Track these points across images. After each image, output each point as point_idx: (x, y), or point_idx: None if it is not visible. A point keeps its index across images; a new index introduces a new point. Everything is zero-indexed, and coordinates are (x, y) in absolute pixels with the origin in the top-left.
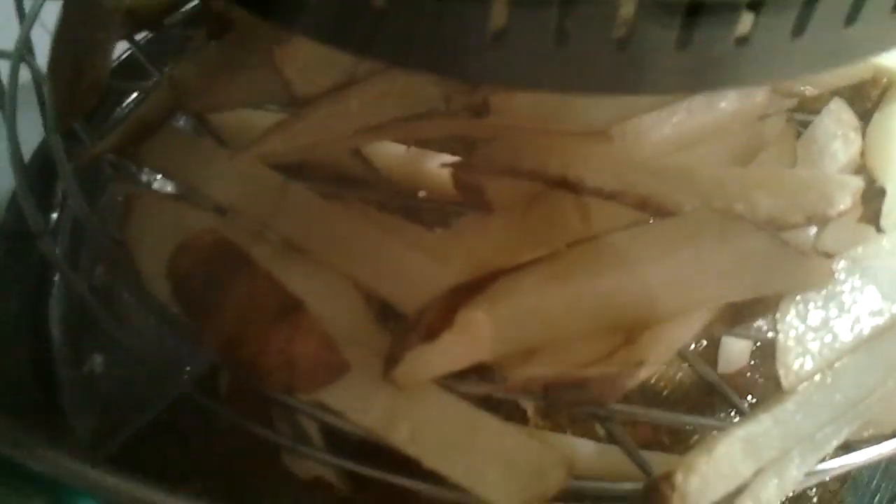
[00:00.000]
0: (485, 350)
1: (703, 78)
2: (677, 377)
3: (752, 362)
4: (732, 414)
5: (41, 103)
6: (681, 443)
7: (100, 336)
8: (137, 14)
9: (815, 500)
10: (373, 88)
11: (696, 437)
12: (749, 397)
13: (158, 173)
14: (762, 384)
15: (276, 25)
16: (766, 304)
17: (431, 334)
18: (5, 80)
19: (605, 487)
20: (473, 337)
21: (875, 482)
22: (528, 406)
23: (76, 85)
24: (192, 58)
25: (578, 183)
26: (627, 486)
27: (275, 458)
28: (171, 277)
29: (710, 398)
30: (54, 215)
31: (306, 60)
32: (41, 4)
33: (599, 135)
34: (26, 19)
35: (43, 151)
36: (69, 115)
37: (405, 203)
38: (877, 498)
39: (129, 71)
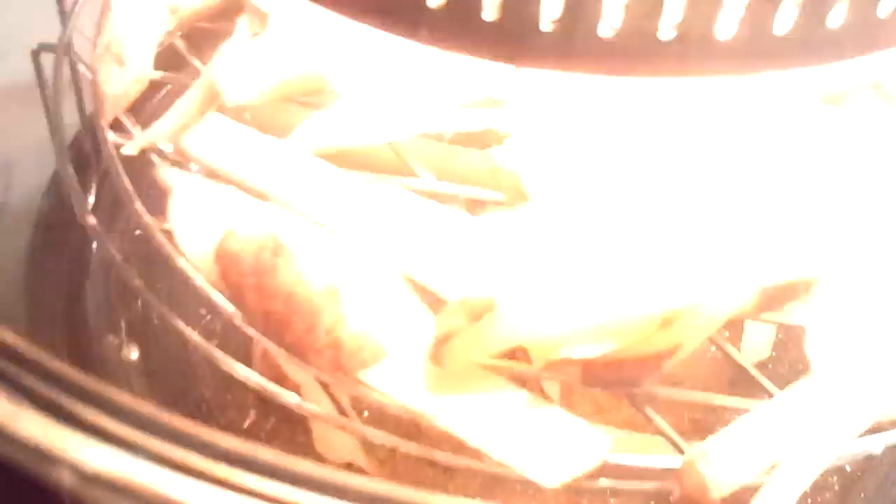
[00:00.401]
0: (527, 332)
1: None
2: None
3: (774, 354)
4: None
5: (78, 96)
6: (700, 432)
7: (135, 325)
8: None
9: (836, 487)
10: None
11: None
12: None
13: (198, 161)
14: (784, 375)
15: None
16: (796, 290)
17: (475, 315)
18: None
19: (640, 465)
20: (516, 320)
21: None
22: (554, 394)
23: (122, 76)
24: (231, 51)
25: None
26: (662, 459)
27: (308, 442)
28: (218, 259)
29: (732, 388)
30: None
31: (353, 60)
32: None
33: None
34: (69, 18)
35: (76, 144)
36: (115, 106)
37: (443, 192)
38: None
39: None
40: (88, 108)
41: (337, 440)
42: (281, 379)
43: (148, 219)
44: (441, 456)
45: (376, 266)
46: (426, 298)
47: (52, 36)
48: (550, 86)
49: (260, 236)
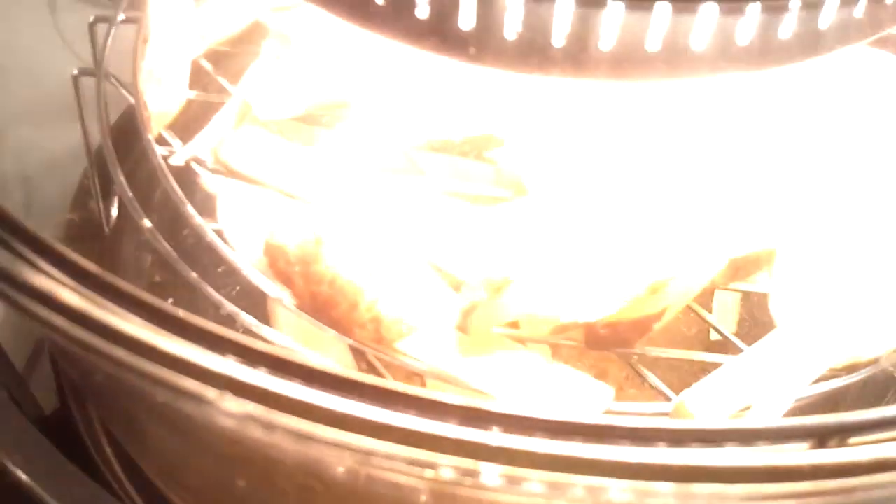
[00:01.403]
0: (537, 303)
1: None
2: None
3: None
4: None
5: (103, 115)
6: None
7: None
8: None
9: None
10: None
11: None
12: None
13: (237, 172)
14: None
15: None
16: (759, 262)
17: (497, 289)
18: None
19: (635, 411)
20: (528, 293)
21: None
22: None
23: (164, 96)
24: (261, 71)
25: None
26: (655, 406)
27: None
28: (267, 252)
29: (706, 348)
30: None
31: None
32: (112, 33)
33: None
34: (105, 42)
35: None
36: (160, 123)
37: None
38: None
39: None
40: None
41: None
42: None
43: (199, 220)
44: None
45: (404, 253)
46: (447, 280)
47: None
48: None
49: (302, 230)
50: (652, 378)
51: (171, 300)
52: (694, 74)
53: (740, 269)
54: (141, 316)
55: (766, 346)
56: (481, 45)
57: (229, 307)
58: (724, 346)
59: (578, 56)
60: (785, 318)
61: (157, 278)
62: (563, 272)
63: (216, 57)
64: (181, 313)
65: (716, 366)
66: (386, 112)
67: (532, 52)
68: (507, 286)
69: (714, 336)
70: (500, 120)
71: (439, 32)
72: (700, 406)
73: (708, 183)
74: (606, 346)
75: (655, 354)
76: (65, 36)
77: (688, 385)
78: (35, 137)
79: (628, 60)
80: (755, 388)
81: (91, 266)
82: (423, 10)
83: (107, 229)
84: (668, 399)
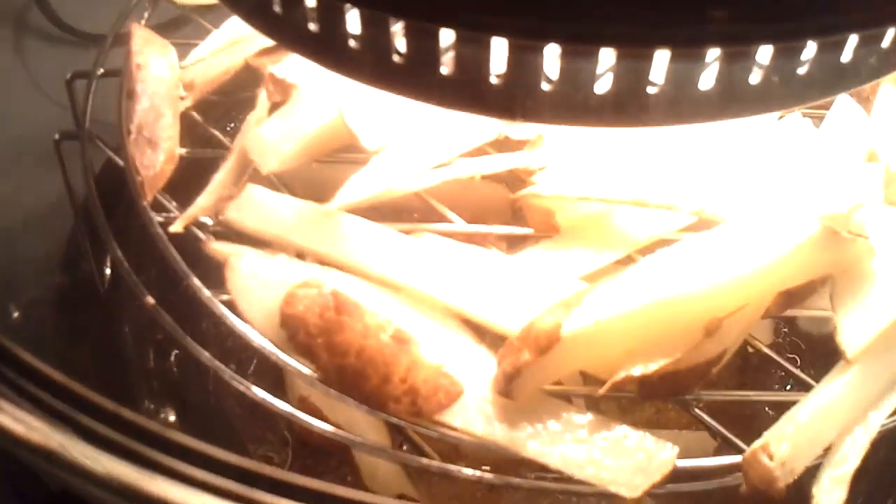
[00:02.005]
0: (588, 357)
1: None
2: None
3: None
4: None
5: (88, 177)
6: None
7: (173, 389)
8: (197, 86)
9: None
10: (429, 132)
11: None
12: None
13: (242, 228)
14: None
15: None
16: (812, 287)
17: (542, 349)
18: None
19: (701, 465)
20: (579, 346)
21: None
22: (579, 402)
23: (155, 157)
24: (257, 122)
25: (640, 201)
26: (721, 460)
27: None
28: (284, 324)
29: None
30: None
31: (374, 116)
32: (93, 89)
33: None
34: (86, 101)
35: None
36: (153, 186)
37: (475, 234)
38: None
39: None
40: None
41: (384, 474)
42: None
43: (207, 293)
44: (538, 484)
45: (432, 310)
46: (476, 331)
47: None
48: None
49: (320, 296)
50: (712, 423)
51: (175, 355)
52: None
53: (793, 295)
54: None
55: (843, 377)
56: (514, 99)
57: (245, 386)
58: (763, 379)
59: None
60: (856, 346)
61: (160, 336)
62: (616, 320)
63: (205, 107)
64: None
65: (779, 403)
66: (397, 153)
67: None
68: (557, 341)
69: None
70: (521, 155)
71: (467, 89)
72: (777, 454)
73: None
74: (663, 395)
75: (714, 398)
76: (40, 86)
77: (736, 429)
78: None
79: (682, 102)
80: (836, 426)
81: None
82: (447, 67)
83: (101, 290)
84: (737, 447)
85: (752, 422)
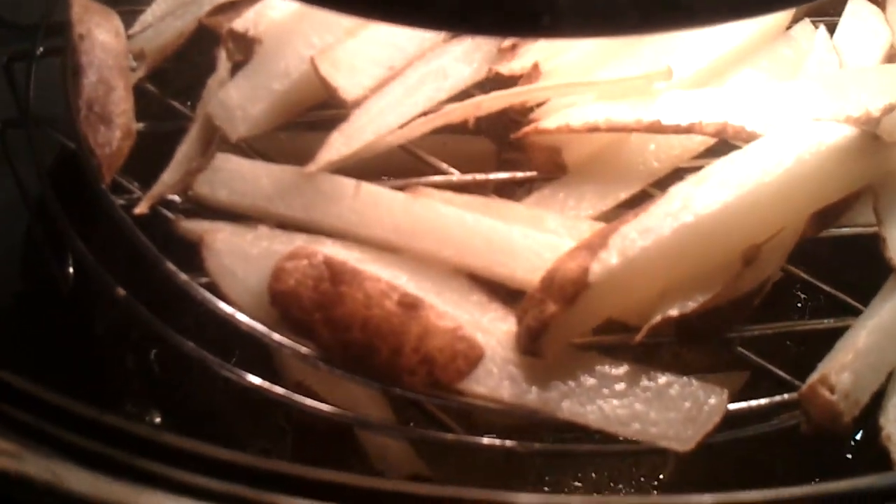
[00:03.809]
0: (619, 302)
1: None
2: None
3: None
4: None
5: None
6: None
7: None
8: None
9: None
10: (412, 75)
11: None
12: None
13: (216, 202)
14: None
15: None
16: (848, 203)
17: (569, 299)
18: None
19: (753, 406)
20: (609, 291)
21: None
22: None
23: (111, 135)
24: (219, 86)
25: (655, 124)
26: (775, 399)
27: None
28: (275, 302)
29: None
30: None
31: (349, 65)
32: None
33: (661, 73)
34: (27, 84)
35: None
36: (111, 167)
37: (471, 182)
38: None
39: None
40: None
41: (395, 455)
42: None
43: (184, 276)
44: (576, 447)
45: (438, 270)
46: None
47: None
48: None
49: (312, 267)
50: (760, 361)
51: (154, 352)
52: None
53: (829, 214)
54: None
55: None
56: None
57: (236, 374)
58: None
59: None
60: None
61: (137, 332)
62: (645, 256)
63: (160, 77)
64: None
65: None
66: (384, 96)
67: None
68: (586, 288)
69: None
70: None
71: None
72: (838, 386)
73: None
74: (703, 336)
75: (756, 332)
76: None
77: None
78: None
79: None
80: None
81: None
82: None
83: (65, 290)
84: (791, 384)
85: (790, 357)
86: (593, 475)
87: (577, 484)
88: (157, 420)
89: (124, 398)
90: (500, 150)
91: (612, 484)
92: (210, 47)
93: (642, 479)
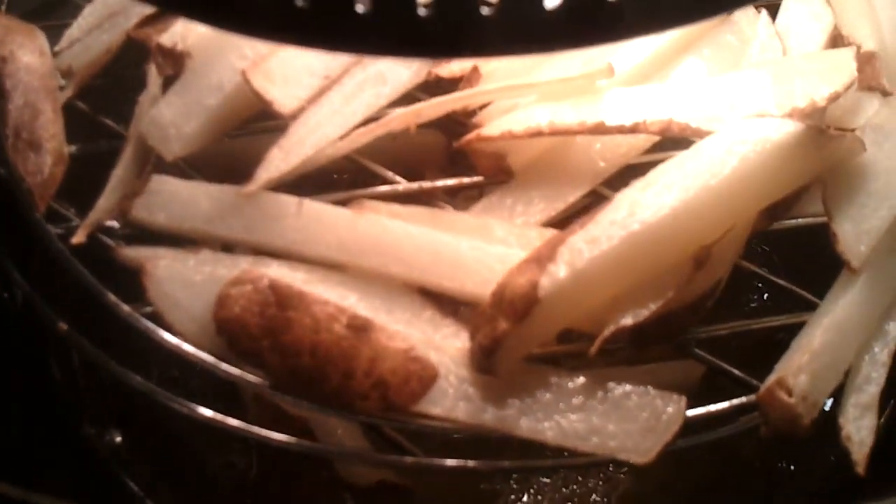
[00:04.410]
0: (571, 314)
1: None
2: None
3: None
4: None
5: None
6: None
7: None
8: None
9: None
10: (349, 83)
11: None
12: None
13: (155, 226)
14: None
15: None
16: (797, 196)
17: (519, 315)
18: None
19: (712, 411)
20: (560, 304)
21: None
22: None
23: (42, 161)
24: (151, 103)
25: (600, 126)
26: (733, 403)
27: (332, 476)
28: (221, 330)
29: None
30: None
31: (283, 76)
32: None
33: (602, 71)
34: None
35: None
36: (44, 195)
37: (418, 191)
38: None
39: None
40: None
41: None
42: (282, 419)
43: (126, 308)
44: (537, 463)
45: (386, 287)
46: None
47: None
48: None
49: (257, 292)
50: (715, 364)
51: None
52: None
53: (778, 206)
54: None
55: (849, 289)
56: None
57: (188, 408)
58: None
59: None
60: (859, 253)
61: None
62: (597, 264)
63: (90, 94)
64: None
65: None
66: (322, 107)
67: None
68: (537, 303)
69: None
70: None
71: (391, 28)
72: (796, 387)
73: None
74: (658, 340)
75: (712, 333)
76: None
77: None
78: None
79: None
80: (853, 344)
81: None
82: (363, 5)
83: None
84: (749, 386)
85: (749, 354)
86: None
87: (545, 480)
88: (118, 439)
89: (81, 419)
90: (450, 144)
91: (579, 478)
92: (141, 61)
93: (610, 468)
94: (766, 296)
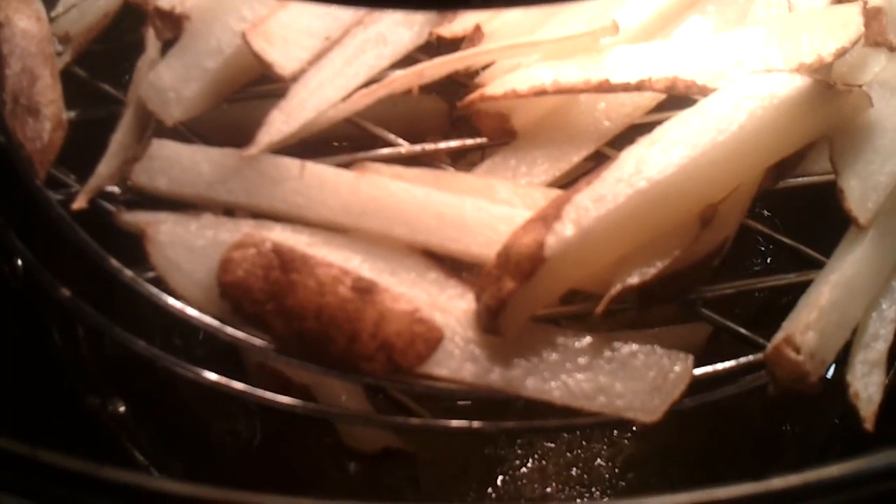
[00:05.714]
0: (577, 274)
1: None
2: None
3: None
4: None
5: None
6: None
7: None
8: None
9: None
10: (351, 44)
11: None
12: None
13: (155, 191)
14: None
15: None
16: (804, 153)
17: (526, 275)
18: None
19: (719, 370)
20: (566, 264)
21: None
22: None
23: (41, 127)
24: (150, 67)
25: (604, 84)
26: (742, 360)
27: (336, 442)
28: (225, 294)
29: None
30: None
31: (283, 38)
32: None
33: (606, 29)
34: None
35: None
36: (44, 161)
37: (421, 153)
38: None
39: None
40: None
41: (363, 430)
42: (285, 386)
43: (129, 273)
44: (539, 424)
45: (391, 249)
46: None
47: None
48: None
49: (260, 255)
50: (722, 323)
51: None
52: None
53: (784, 164)
54: None
55: (859, 245)
56: None
57: (193, 372)
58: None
59: None
60: (868, 209)
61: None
62: (603, 223)
63: (89, 60)
64: None
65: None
66: (322, 69)
67: None
68: (543, 262)
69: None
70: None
71: None
72: (803, 345)
73: None
74: (664, 300)
75: (719, 293)
76: None
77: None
78: None
79: None
80: (862, 301)
81: None
82: None
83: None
84: (755, 344)
85: (753, 316)
86: (565, 434)
87: (549, 445)
88: (122, 409)
89: (85, 390)
90: (452, 109)
91: (584, 442)
92: (138, 25)
93: (615, 433)
94: (769, 259)
